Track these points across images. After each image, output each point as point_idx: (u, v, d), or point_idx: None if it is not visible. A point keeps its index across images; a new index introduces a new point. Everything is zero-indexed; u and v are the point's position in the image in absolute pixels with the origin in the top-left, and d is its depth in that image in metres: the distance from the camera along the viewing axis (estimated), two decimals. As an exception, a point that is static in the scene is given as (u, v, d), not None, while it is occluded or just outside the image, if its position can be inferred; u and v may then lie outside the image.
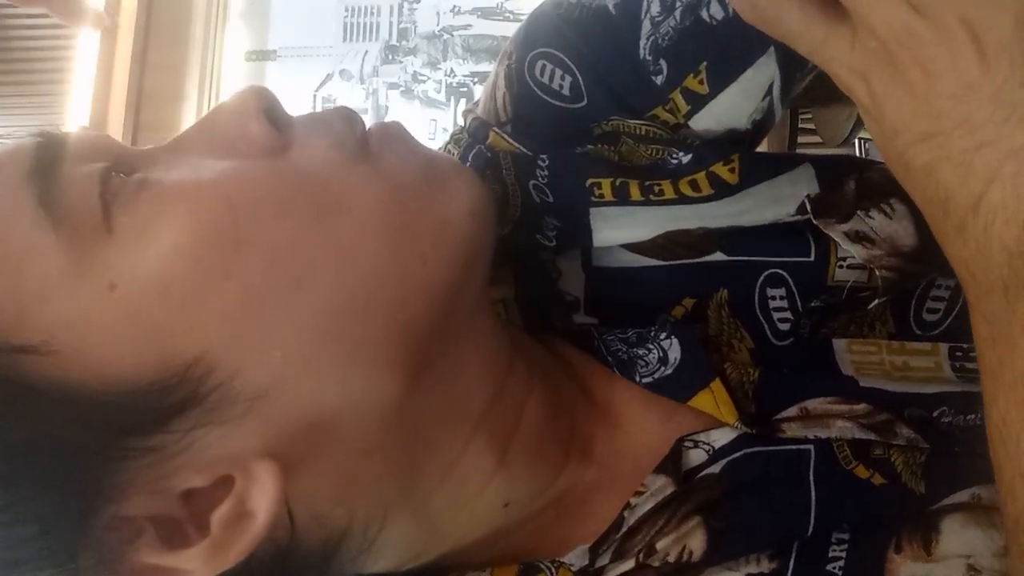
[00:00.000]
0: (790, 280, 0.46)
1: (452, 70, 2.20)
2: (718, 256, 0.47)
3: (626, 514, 0.42)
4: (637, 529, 0.41)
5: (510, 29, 2.19)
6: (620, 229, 0.48)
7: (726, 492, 0.41)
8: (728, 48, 0.46)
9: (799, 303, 0.46)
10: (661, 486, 0.42)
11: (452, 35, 2.19)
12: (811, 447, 0.41)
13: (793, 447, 0.41)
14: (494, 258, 0.48)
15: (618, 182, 0.47)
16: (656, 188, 0.46)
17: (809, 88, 0.53)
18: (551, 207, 0.48)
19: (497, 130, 0.50)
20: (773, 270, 0.46)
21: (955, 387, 0.44)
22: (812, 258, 0.46)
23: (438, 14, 2.17)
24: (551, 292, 0.49)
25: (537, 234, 0.49)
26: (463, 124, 0.53)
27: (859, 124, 1.78)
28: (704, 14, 0.46)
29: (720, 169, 0.46)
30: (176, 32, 2.09)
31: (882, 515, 0.40)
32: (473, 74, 2.19)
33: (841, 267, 0.46)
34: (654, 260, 0.48)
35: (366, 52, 2.20)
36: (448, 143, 0.53)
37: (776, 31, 0.33)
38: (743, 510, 0.40)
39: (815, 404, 0.43)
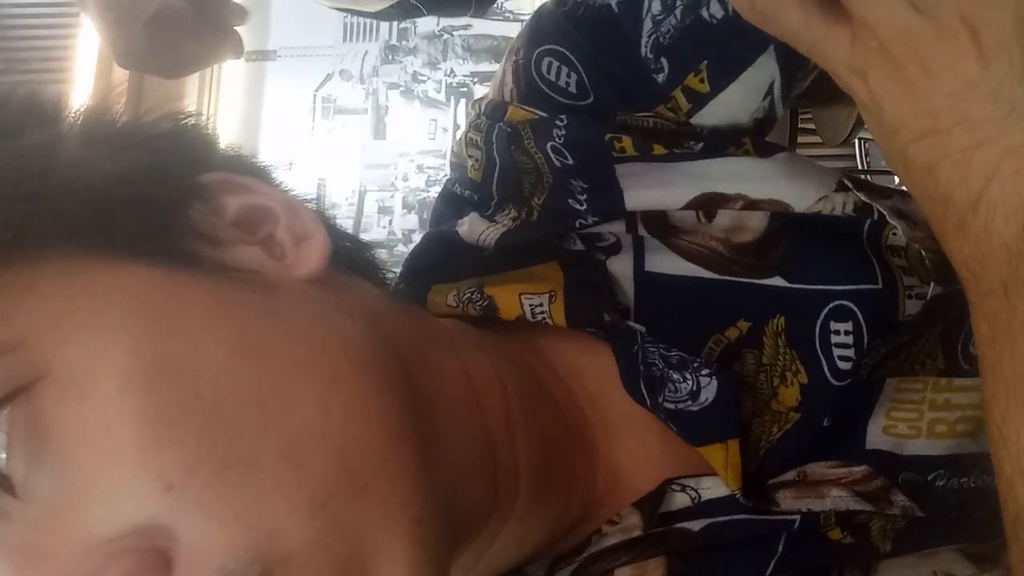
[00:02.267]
0: (859, 314, 0.43)
1: (452, 70, 2.20)
2: (778, 281, 0.44)
3: (594, 538, 0.42)
4: (600, 556, 0.41)
5: (510, 29, 2.19)
6: (651, 189, 0.46)
7: (697, 548, 0.41)
8: (728, 47, 0.46)
9: (866, 339, 0.42)
10: (632, 524, 0.41)
11: (452, 35, 2.19)
12: (798, 518, 0.41)
13: (779, 518, 0.41)
14: (539, 254, 0.47)
15: (639, 139, 0.46)
16: (679, 148, 0.46)
17: (809, 88, 0.53)
18: (572, 169, 0.48)
19: (515, 104, 0.50)
20: (840, 302, 0.43)
21: (968, 443, 0.43)
22: (880, 285, 0.43)
23: (438, 14, 2.17)
24: (601, 286, 0.47)
25: (569, 199, 0.48)
26: (477, 111, 0.52)
27: (859, 124, 1.78)
28: (704, 13, 0.46)
29: (734, 153, 0.47)
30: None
31: (833, 564, 0.40)
32: (473, 74, 2.19)
33: (910, 297, 0.43)
34: (710, 272, 0.45)
35: (366, 52, 2.20)
36: (468, 132, 0.53)
37: (776, 29, 0.33)
38: (709, 564, 0.40)
39: (813, 468, 0.42)
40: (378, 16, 0.62)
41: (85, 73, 1.99)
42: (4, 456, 0.29)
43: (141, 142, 0.37)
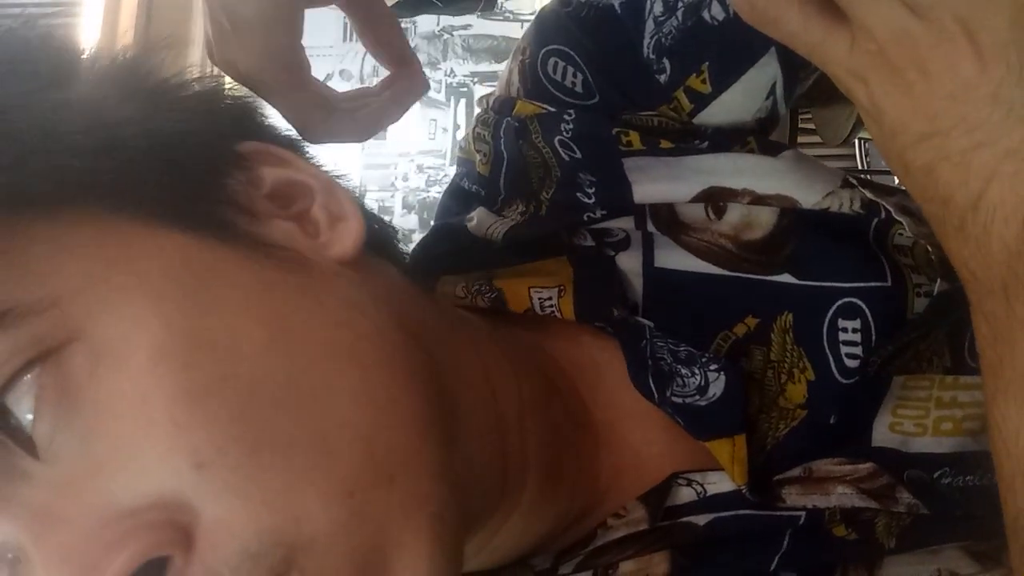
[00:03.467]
0: (867, 312, 0.43)
1: (452, 70, 2.20)
2: (787, 278, 0.45)
3: (600, 531, 0.42)
4: (606, 549, 0.41)
5: (510, 29, 2.19)
6: (659, 182, 0.47)
7: (702, 542, 0.41)
8: (730, 48, 0.46)
9: (874, 337, 0.42)
10: (639, 518, 0.41)
11: (452, 35, 2.19)
12: (803, 514, 0.41)
13: (785, 514, 0.41)
14: (548, 248, 0.48)
15: (645, 135, 0.47)
16: (686, 143, 0.46)
17: (809, 88, 0.53)
18: (580, 163, 0.48)
19: (522, 99, 0.50)
20: (848, 299, 0.43)
21: (973, 441, 0.43)
22: (889, 282, 0.43)
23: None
24: (611, 281, 0.47)
25: (577, 192, 0.48)
26: (485, 106, 0.53)
27: (859, 124, 1.78)
28: (706, 14, 0.46)
29: (740, 151, 0.47)
30: (176, 32, 2.09)
31: (837, 561, 0.40)
32: (473, 74, 2.20)
33: (919, 295, 0.43)
34: (719, 269, 0.45)
35: (366, 52, 2.20)
36: (476, 127, 0.53)
37: (775, 32, 0.33)
38: (713, 559, 0.40)
39: (819, 465, 0.42)
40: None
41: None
42: (31, 417, 0.29)
43: (181, 101, 0.37)
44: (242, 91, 0.40)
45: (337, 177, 0.40)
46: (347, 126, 0.43)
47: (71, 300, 0.29)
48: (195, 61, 0.41)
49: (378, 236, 0.43)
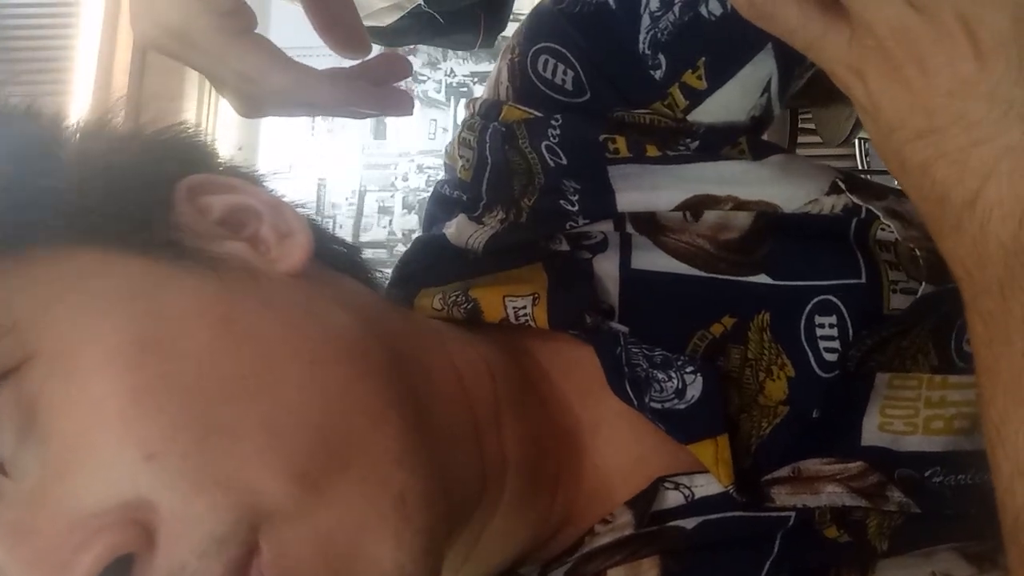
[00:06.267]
0: (843, 308, 0.43)
1: (452, 70, 2.20)
2: (763, 279, 0.45)
3: (587, 538, 0.42)
4: (593, 556, 0.41)
5: (510, 29, 2.19)
6: (643, 191, 0.46)
7: (692, 546, 0.41)
8: (726, 44, 0.46)
9: (851, 333, 0.42)
10: (625, 523, 0.41)
11: (452, 35, 2.19)
12: (793, 515, 0.40)
13: (774, 515, 0.41)
14: (525, 255, 0.48)
15: (633, 139, 0.47)
16: (673, 149, 0.46)
17: (809, 88, 0.53)
18: (566, 169, 0.48)
19: (510, 103, 0.50)
20: (824, 297, 0.43)
21: (964, 440, 0.43)
22: (864, 280, 0.43)
23: (438, 14, 2.17)
24: (584, 287, 0.47)
25: (560, 199, 0.48)
26: (472, 111, 0.53)
27: (859, 124, 1.78)
28: (703, 10, 0.46)
29: (729, 153, 0.47)
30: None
31: (829, 564, 0.40)
32: (473, 74, 2.20)
33: (895, 291, 0.43)
34: (695, 270, 0.46)
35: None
36: (461, 132, 0.53)
37: (774, 27, 0.33)
38: (703, 564, 0.40)
39: (808, 464, 0.41)
40: (390, 34, 0.60)
41: (86, 75, 2.00)
42: None
43: (135, 147, 0.39)
44: (187, 132, 0.42)
45: (293, 205, 0.42)
46: (318, 86, 0.39)
47: (28, 323, 0.31)
48: (191, 95, 0.42)
49: (340, 256, 0.45)
